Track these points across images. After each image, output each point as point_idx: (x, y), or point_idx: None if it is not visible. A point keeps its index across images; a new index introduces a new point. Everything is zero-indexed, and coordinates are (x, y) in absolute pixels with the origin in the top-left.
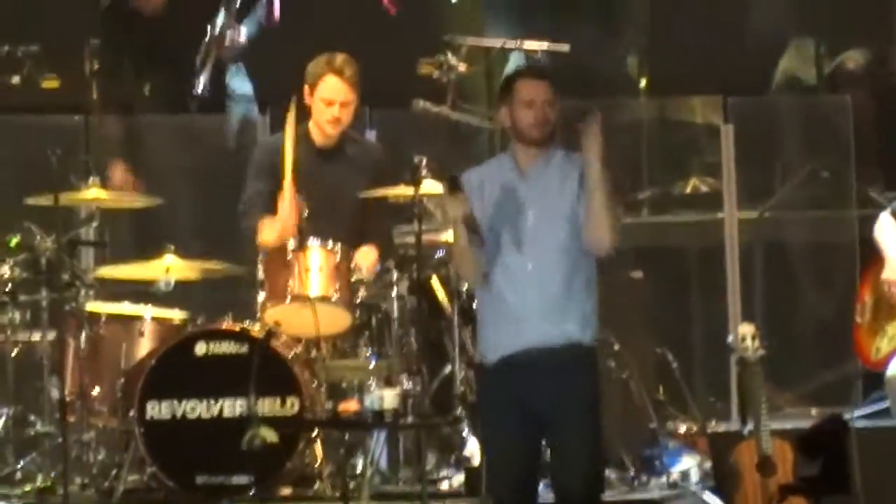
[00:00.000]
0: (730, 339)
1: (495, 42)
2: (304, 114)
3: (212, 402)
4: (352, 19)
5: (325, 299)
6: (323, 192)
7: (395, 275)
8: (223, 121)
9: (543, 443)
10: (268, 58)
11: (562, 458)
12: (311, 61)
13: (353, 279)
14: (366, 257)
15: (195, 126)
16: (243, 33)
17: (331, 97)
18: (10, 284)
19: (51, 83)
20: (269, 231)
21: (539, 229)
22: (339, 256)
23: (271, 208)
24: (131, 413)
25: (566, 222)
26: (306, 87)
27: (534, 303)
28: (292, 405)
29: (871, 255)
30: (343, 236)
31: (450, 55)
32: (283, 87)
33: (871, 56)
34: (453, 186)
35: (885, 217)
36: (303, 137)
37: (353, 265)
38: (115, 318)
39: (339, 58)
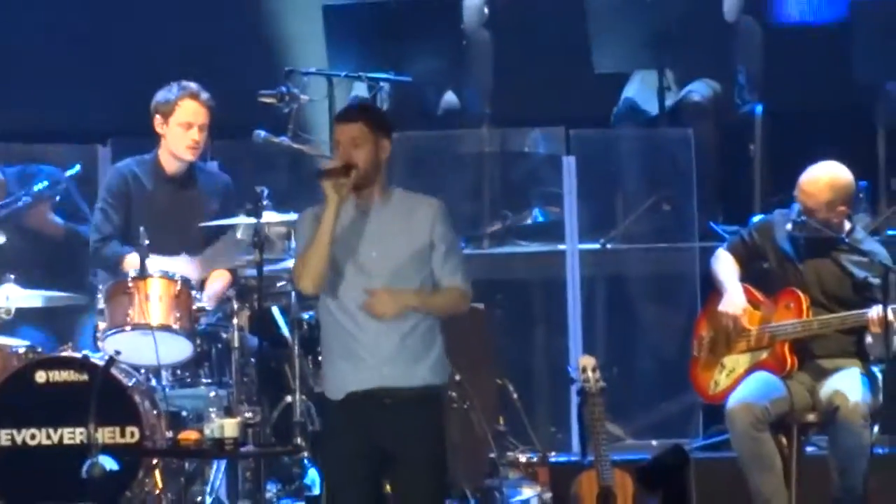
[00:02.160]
0: (570, 370)
1: (338, 72)
2: (152, 143)
3: (52, 430)
4: (192, 50)
5: (165, 328)
6: (175, 219)
7: (235, 304)
8: (64, 150)
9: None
10: (109, 90)
11: (404, 493)
12: (160, 91)
13: (194, 308)
14: (219, 280)
15: (38, 155)
16: None
17: (190, 120)
18: None
19: None
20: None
21: (383, 269)
22: (179, 285)
23: (125, 240)
24: None
25: (410, 263)
26: (157, 117)
27: (383, 345)
28: (132, 434)
29: (711, 288)
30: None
31: (291, 85)
32: (127, 119)
33: (716, 89)
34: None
35: (721, 251)
36: (151, 167)
37: (196, 294)
38: None
39: (193, 83)
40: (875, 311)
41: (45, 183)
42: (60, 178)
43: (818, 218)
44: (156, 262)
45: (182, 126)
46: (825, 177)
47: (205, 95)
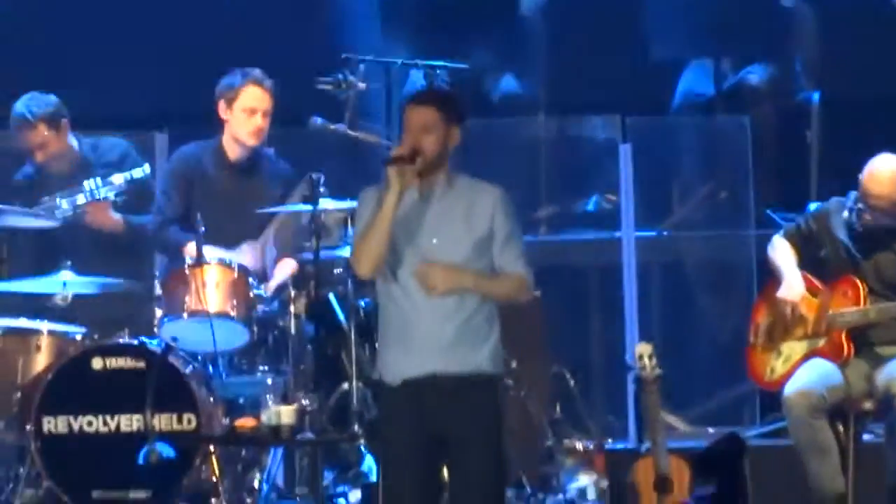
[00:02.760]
0: (627, 357)
1: (394, 59)
2: (209, 129)
3: (108, 417)
4: (248, 37)
5: (222, 315)
6: (238, 207)
7: (292, 291)
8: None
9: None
10: (166, 76)
11: (463, 480)
12: (224, 77)
13: (251, 295)
14: (285, 268)
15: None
16: None
17: (254, 106)
18: None
19: None
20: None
21: (444, 256)
22: (236, 272)
23: (186, 225)
24: (27, 427)
25: (471, 251)
26: (221, 103)
27: (441, 330)
28: (189, 421)
29: (767, 275)
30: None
31: (348, 73)
32: (184, 105)
33: (773, 73)
34: (406, 158)
35: (778, 238)
36: (215, 153)
37: (253, 281)
38: (11, 333)
39: (257, 70)
40: None
41: (145, 171)
42: (134, 155)
43: (883, 211)
44: (216, 254)
45: (246, 112)
46: (889, 173)
47: (268, 82)
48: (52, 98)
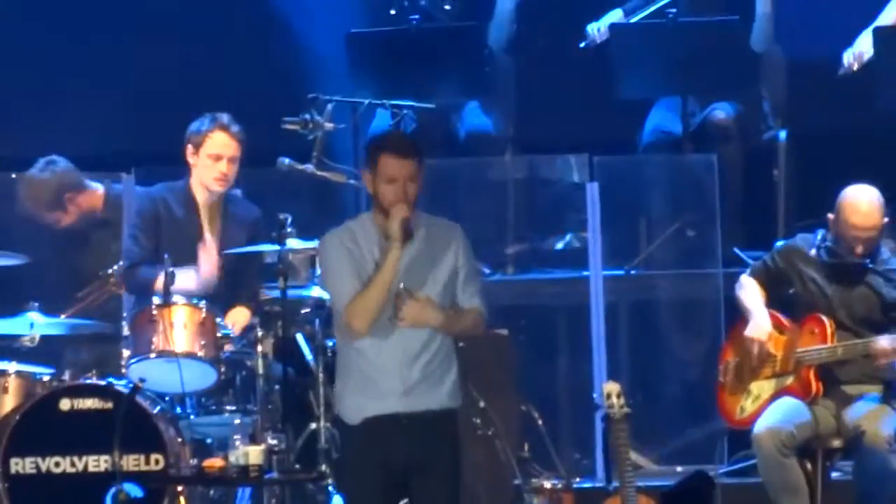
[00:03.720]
0: (595, 396)
1: (361, 99)
2: (176, 171)
3: (76, 457)
4: (215, 77)
5: (190, 355)
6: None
7: (260, 331)
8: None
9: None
10: (133, 117)
11: None
12: (193, 122)
13: (218, 335)
14: (238, 317)
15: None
16: None
17: (219, 152)
18: None
19: None
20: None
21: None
22: (203, 312)
23: (155, 264)
24: None
25: (440, 290)
26: (189, 147)
27: (401, 372)
28: (157, 461)
29: (736, 314)
30: (220, 293)
31: (315, 112)
32: (151, 146)
33: (739, 110)
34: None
35: (745, 277)
36: (182, 195)
37: (219, 321)
38: None
39: (225, 115)
40: (882, 342)
41: None
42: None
43: (865, 241)
44: (181, 277)
45: (211, 157)
46: (872, 201)
47: (235, 128)
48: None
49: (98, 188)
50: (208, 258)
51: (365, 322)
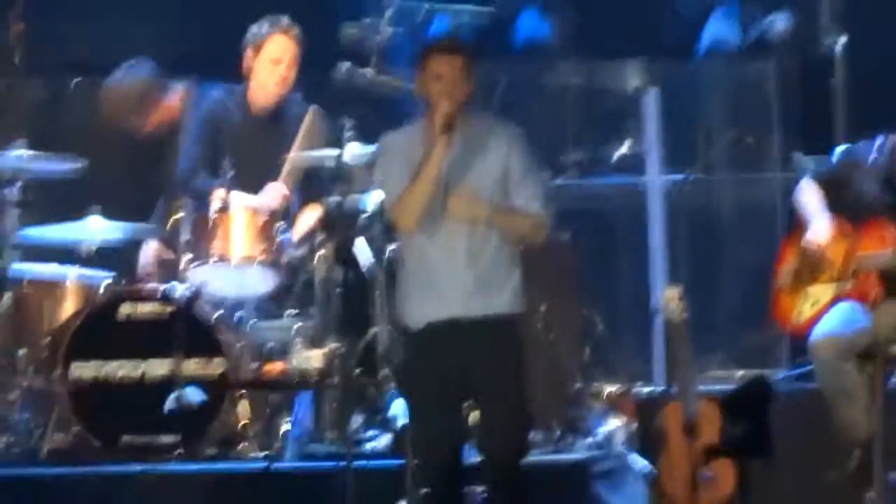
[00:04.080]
0: (654, 301)
1: (420, 3)
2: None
3: (137, 362)
4: None
5: (249, 260)
6: (265, 153)
7: (320, 236)
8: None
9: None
10: (191, 23)
11: (487, 421)
12: (253, 25)
13: (278, 240)
14: (311, 213)
15: None
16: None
17: (279, 55)
18: None
19: None
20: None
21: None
22: (263, 218)
23: (212, 170)
24: (56, 373)
25: (493, 192)
26: (248, 51)
27: (463, 275)
28: (217, 366)
29: (794, 219)
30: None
31: (374, 17)
32: (214, 54)
33: (797, 21)
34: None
35: (805, 181)
36: (241, 99)
37: (280, 226)
38: (39, 280)
39: (284, 18)
40: None
41: None
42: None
43: None
44: (242, 199)
45: (272, 61)
46: None
47: (295, 31)
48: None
49: (179, 91)
50: (276, 192)
51: (411, 217)
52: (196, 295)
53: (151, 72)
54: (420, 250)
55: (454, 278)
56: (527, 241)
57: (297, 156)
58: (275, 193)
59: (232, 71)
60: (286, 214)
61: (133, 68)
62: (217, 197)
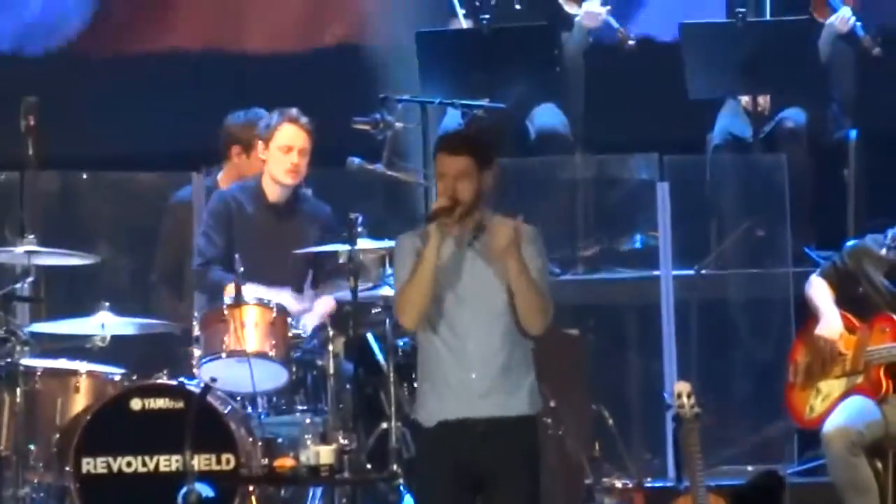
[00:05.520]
0: (666, 396)
1: (431, 99)
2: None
3: (148, 457)
4: (285, 77)
5: (261, 355)
6: (277, 247)
7: (331, 331)
8: (159, 177)
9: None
10: (203, 116)
11: None
12: (262, 118)
13: (289, 335)
14: (324, 306)
15: (133, 182)
16: None
17: (289, 143)
18: None
19: None
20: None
21: (479, 300)
22: (275, 312)
23: (227, 265)
24: (67, 468)
25: (502, 292)
26: (259, 143)
27: (476, 377)
28: (228, 461)
29: (806, 313)
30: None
31: (385, 112)
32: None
33: (809, 115)
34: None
35: (815, 277)
36: (254, 193)
37: (292, 321)
38: (50, 374)
39: (293, 109)
40: None
41: None
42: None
43: None
44: (258, 292)
45: (281, 150)
46: None
47: (304, 119)
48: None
49: None
50: (324, 306)
51: (408, 314)
52: (207, 389)
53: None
54: (432, 349)
55: (466, 379)
56: (531, 325)
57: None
58: (292, 302)
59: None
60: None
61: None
62: (231, 290)
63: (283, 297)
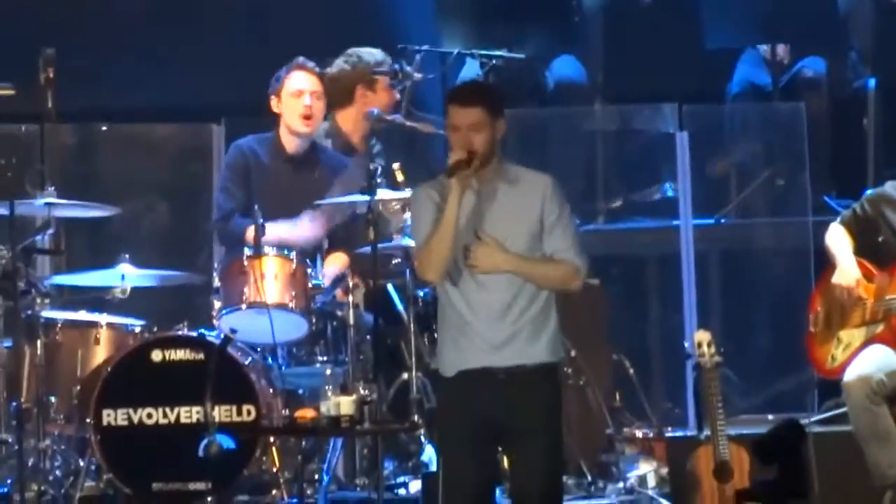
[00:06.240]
0: (686, 345)
1: (450, 49)
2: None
3: (168, 409)
4: (304, 29)
5: (281, 306)
6: (296, 199)
7: (351, 282)
8: (178, 129)
9: (500, 449)
10: (222, 69)
11: (520, 465)
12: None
13: (309, 286)
14: (336, 262)
15: (152, 134)
16: None
17: (300, 87)
18: None
19: (5, 92)
20: None
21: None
22: (294, 263)
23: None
24: (87, 420)
25: (527, 241)
26: (273, 99)
27: (496, 327)
28: (249, 412)
29: (826, 262)
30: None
31: (404, 63)
32: (240, 98)
33: (828, 65)
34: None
35: (834, 226)
36: (271, 145)
37: (312, 272)
38: (71, 326)
39: (299, 56)
40: None
41: None
42: None
43: None
44: (277, 228)
45: (294, 95)
46: None
47: (311, 64)
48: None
49: None
50: (319, 221)
51: (432, 269)
52: (227, 341)
53: None
54: (452, 300)
55: (486, 330)
56: (559, 290)
57: (330, 200)
58: (309, 226)
59: (261, 118)
60: (315, 260)
61: None
62: (249, 239)
63: (303, 223)
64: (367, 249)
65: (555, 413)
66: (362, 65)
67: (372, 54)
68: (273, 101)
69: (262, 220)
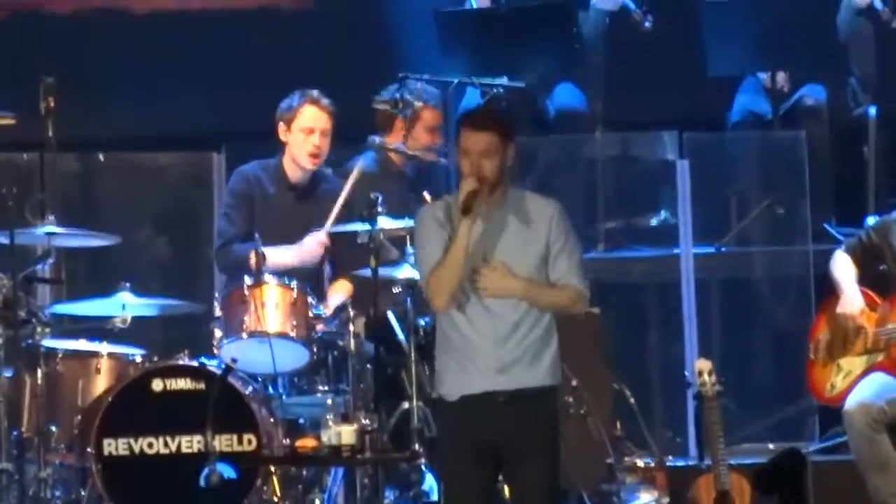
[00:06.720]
0: (687, 374)
1: (451, 78)
2: (267, 148)
3: (169, 438)
4: (305, 56)
5: (282, 335)
6: (298, 227)
7: (352, 311)
8: (179, 158)
9: (500, 477)
10: (224, 96)
11: (520, 488)
12: (284, 99)
13: (310, 315)
14: (341, 290)
15: (152, 163)
16: None
17: (311, 125)
18: None
19: (5, 121)
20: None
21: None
22: (295, 292)
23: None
24: (88, 450)
25: (534, 266)
26: (281, 125)
27: (498, 352)
28: (250, 441)
29: (826, 291)
30: (313, 273)
31: (405, 91)
32: (242, 125)
33: (829, 92)
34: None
35: (840, 254)
36: (275, 173)
37: (313, 301)
38: (71, 356)
39: (314, 91)
40: None
41: None
42: None
43: None
44: (277, 252)
45: (304, 132)
46: None
47: (325, 101)
48: None
49: None
50: (317, 240)
51: (441, 296)
52: (228, 370)
53: None
54: (457, 323)
55: (491, 353)
56: (563, 314)
57: (331, 227)
58: (312, 242)
59: (262, 146)
60: (318, 287)
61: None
62: (250, 264)
63: (279, 252)
64: (368, 272)
65: (553, 435)
66: (403, 101)
67: (418, 93)
68: (281, 128)
69: (262, 249)
